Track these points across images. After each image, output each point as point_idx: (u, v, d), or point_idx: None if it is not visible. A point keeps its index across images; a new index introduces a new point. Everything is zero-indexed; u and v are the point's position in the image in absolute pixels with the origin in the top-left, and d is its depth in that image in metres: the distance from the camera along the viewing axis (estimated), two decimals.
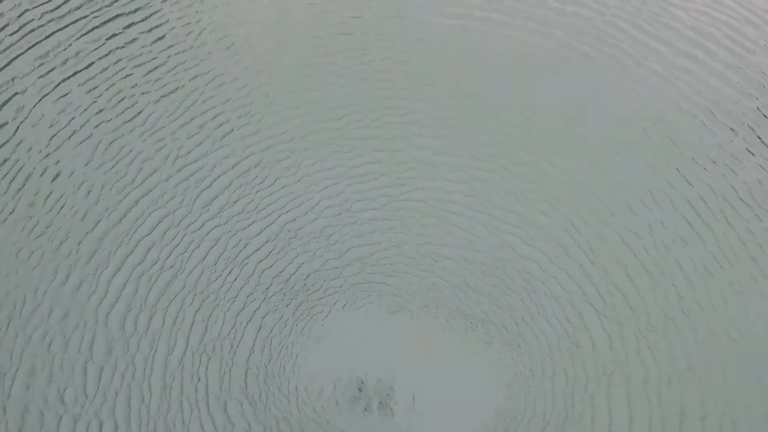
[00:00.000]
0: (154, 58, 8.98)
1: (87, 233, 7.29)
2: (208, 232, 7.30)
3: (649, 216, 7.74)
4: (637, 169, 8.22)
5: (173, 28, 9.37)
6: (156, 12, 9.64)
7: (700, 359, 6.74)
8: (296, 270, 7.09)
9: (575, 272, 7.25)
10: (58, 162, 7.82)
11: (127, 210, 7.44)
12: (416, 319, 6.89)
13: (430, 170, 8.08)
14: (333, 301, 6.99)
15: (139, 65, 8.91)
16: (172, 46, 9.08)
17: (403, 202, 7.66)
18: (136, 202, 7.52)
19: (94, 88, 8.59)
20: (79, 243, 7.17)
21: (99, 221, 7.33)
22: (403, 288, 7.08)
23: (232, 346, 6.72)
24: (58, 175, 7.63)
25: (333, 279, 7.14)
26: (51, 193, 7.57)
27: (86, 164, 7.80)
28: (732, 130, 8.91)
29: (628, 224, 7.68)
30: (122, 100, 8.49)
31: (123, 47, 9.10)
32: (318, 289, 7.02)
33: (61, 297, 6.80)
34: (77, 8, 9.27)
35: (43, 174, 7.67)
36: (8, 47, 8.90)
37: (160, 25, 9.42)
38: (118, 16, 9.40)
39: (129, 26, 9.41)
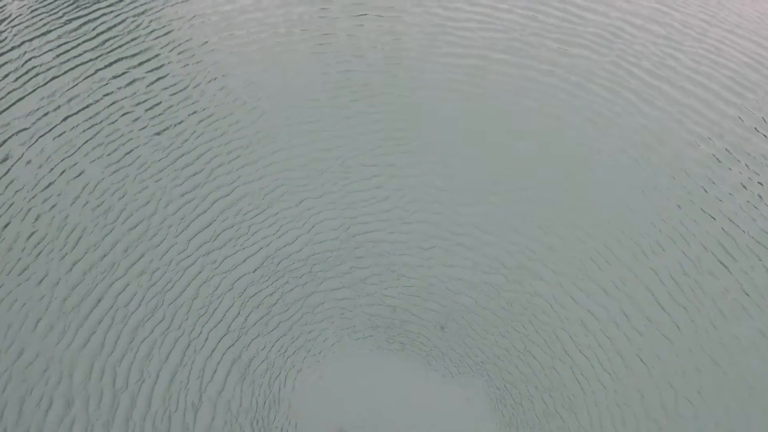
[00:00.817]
0: (153, 97, 9.02)
1: (67, 272, 6.97)
2: (199, 270, 6.89)
3: (672, 255, 7.18)
4: (653, 208, 7.75)
5: (172, 70, 9.46)
6: (157, 56, 9.80)
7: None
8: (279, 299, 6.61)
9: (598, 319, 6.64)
10: (47, 200, 7.66)
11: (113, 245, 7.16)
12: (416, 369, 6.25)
13: (436, 207, 7.67)
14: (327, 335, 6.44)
15: (138, 103, 8.94)
16: (171, 86, 9.13)
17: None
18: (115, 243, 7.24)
19: (91, 127, 8.59)
20: (56, 283, 6.84)
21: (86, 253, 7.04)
22: (407, 324, 6.51)
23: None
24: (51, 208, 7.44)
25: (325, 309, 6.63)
26: (34, 233, 7.34)
27: (74, 202, 7.61)
28: (748, 167, 8.45)
29: (656, 264, 7.11)
30: (118, 137, 8.43)
31: (123, 88, 9.18)
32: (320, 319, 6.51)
33: (31, 338, 6.38)
34: (80, 54, 9.49)
35: (28, 212, 7.47)
36: (12, 90, 9.05)
37: (161, 66, 9.54)
38: (120, 59, 9.58)
39: (128, 70, 9.53)
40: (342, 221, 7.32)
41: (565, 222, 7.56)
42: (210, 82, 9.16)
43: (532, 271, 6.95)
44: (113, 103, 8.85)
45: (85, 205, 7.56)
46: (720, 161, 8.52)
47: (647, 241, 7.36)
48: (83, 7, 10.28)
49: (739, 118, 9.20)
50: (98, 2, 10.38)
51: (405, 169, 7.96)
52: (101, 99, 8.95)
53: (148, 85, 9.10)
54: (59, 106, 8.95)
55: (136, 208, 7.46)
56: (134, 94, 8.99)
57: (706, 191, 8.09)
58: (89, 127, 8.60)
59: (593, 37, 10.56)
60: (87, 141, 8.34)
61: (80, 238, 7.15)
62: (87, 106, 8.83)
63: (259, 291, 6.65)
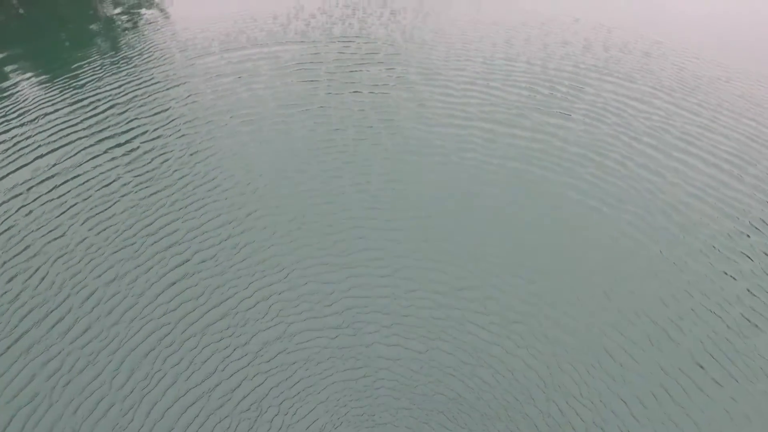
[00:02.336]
0: (150, 168, 8.80)
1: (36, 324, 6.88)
2: (180, 358, 6.71)
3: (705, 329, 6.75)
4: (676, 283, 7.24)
5: (166, 142, 9.12)
6: (158, 137, 9.60)
7: None
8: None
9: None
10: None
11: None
12: None
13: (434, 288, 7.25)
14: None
15: (130, 174, 8.62)
16: (167, 159, 8.83)
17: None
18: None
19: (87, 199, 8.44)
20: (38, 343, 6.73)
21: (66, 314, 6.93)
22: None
23: None
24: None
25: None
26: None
27: (58, 258, 7.46)
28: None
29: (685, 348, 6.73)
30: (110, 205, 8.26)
31: (114, 161, 8.98)
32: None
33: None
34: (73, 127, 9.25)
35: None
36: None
37: (157, 137, 9.31)
38: (113, 135, 9.41)
39: (121, 144, 9.35)
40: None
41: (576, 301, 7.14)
42: (202, 154, 8.78)
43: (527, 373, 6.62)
44: (105, 177, 8.52)
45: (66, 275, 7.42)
46: (742, 231, 7.96)
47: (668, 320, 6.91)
48: (76, 88, 10.13)
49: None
50: (94, 82, 10.22)
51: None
52: (90, 171, 8.63)
53: (145, 163, 8.75)
54: (51, 176, 8.66)
55: (117, 289, 7.20)
56: (127, 166, 8.64)
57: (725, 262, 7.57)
58: (80, 198, 8.28)
59: (596, 109, 10.02)
60: (76, 213, 8.10)
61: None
62: (76, 177, 8.48)
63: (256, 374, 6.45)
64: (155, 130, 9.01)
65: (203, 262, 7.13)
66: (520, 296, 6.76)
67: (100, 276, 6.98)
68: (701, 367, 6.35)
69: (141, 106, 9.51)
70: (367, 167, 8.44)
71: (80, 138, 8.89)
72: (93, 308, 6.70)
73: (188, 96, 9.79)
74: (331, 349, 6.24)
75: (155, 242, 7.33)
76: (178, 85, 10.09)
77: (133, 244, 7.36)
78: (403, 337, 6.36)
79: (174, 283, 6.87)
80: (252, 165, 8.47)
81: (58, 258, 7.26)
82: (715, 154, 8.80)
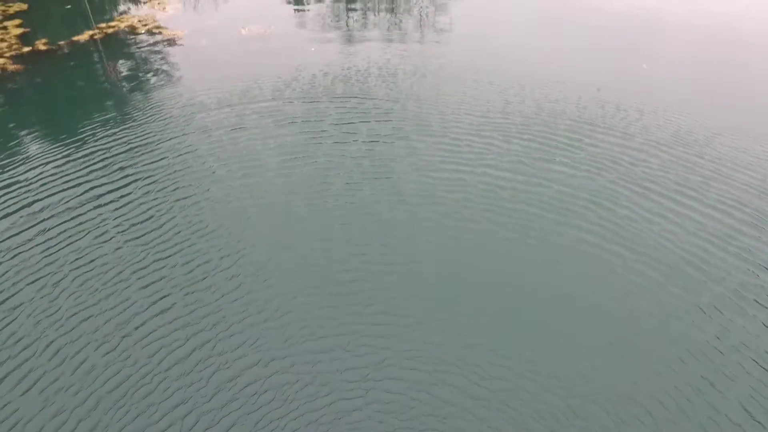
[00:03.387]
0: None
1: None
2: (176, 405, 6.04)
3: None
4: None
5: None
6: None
7: None
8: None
9: None
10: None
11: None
12: None
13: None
14: None
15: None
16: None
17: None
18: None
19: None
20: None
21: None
22: None
23: None
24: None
25: None
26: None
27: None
28: None
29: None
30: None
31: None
32: None
33: None
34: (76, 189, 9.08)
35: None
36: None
37: (151, 188, 9.13)
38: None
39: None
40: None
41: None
42: (195, 207, 8.47)
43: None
44: (96, 225, 8.15)
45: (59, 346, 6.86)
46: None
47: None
48: (75, 141, 10.08)
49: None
50: (92, 136, 10.19)
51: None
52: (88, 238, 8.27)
53: (138, 213, 8.43)
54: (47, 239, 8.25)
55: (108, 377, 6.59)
56: (119, 213, 8.30)
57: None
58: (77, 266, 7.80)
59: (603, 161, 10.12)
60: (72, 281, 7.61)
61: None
62: (71, 243, 8.06)
63: None
64: (150, 182, 8.86)
65: (190, 313, 6.60)
66: (529, 352, 6.23)
67: (84, 327, 6.38)
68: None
69: (136, 157, 9.37)
70: (365, 220, 8.17)
71: (73, 186, 8.61)
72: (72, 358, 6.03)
73: (186, 147, 9.74)
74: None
75: (146, 295, 6.84)
76: (176, 137, 10.06)
77: (124, 291, 6.86)
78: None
79: (161, 339, 6.29)
80: (246, 216, 8.19)
81: (43, 306, 6.69)
82: (725, 202, 8.70)
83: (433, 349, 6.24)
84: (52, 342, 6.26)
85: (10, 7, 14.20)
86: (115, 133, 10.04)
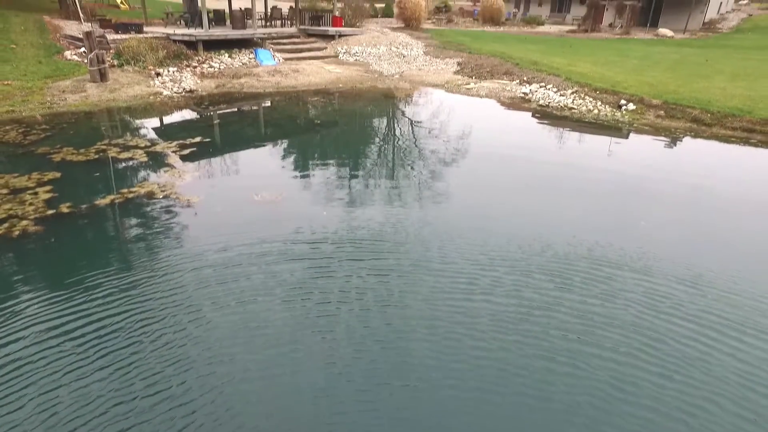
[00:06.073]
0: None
1: None
2: None
3: None
4: None
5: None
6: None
7: None
8: None
9: None
10: None
11: None
12: None
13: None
14: None
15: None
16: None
17: None
18: None
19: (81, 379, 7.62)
20: None
21: None
22: None
23: None
24: None
25: None
26: None
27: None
28: None
29: None
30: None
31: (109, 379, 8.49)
32: None
33: None
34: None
35: None
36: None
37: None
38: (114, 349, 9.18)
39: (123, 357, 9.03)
40: None
41: None
42: (191, 349, 8.39)
43: None
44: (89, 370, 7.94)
45: None
46: None
47: None
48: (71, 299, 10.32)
49: None
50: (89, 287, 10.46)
51: None
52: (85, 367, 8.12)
53: (129, 353, 8.30)
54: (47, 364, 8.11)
55: None
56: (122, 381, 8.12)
57: None
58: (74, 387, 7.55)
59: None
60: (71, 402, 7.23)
61: None
62: (73, 371, 7.93)
63: None
64: (143, 326, 8.81)
65: None
66: None
67: None
68: None
69: (143, 315, 9.32)
70: (367, 359, 8.15)
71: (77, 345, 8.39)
72: None
73: (190, 288, 9.86)
74: None
75: None
76: (177, 280, 10.28)
77: None
78: None
79: None
80: (242, 359, 8.13)
81: None
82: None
83: None
84: None
85: (45, 175, 15.42)
86: (122, 293, 10.18)
